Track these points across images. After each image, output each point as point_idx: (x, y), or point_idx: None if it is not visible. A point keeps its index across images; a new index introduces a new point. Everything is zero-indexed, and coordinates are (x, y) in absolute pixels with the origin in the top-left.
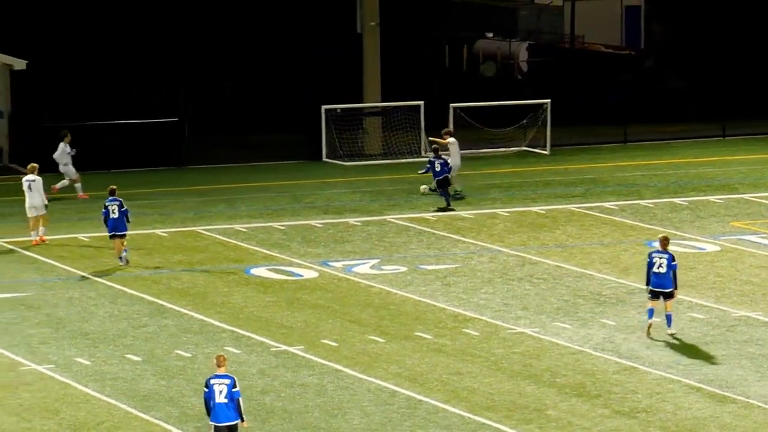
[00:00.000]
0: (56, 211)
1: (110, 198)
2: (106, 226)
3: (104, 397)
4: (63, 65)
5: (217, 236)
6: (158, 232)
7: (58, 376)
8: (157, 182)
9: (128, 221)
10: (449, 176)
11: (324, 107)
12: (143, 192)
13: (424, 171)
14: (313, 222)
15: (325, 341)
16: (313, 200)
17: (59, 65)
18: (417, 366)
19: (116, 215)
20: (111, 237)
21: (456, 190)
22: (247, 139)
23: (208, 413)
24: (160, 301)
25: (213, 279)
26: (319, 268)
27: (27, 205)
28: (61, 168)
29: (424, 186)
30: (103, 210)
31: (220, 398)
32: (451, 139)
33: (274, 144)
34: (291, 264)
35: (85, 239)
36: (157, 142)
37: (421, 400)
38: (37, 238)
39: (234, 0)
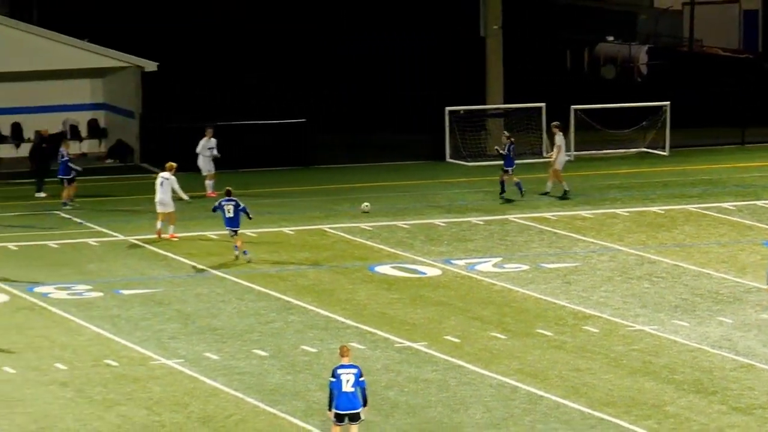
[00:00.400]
0: (186, 209)
1: (226, 198)
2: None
3: (232, 391)
4: (193, 67)
5: (343, 234)
6: (285, 230)
7: (187, 371)
8: (285, 181)
9: (249, 217)
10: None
11: (448, 109)
12: (271, 191)
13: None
14: (436, 221)
15: (448, 337)
16: (437, 199)
17: (189, 67)
18: (538, 362)
19: (232, 214)
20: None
21: (565, 190)
22: (372, 139)
23: (330, 402)
24: (287, 298)
25: (338, 276)
26: (442, 266)
27: (156, 199)
28: (199, 162)
29: (365, 204)
30: (215, 208)
31: (347, 387)
32: (560, 135)
33: (399, 145)
34: (414, 262)
35: (213, 237)
36: (285, 143)
37: (541, 396)
38: (160, 230)
39: (361, 5)
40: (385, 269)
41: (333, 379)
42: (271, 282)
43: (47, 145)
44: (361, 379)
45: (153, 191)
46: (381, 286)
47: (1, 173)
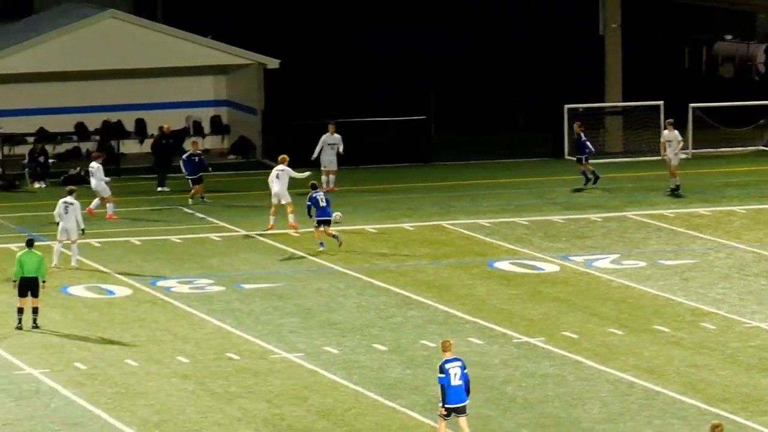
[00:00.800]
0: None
1: (315, 191)
2: (309, 215)
3: (351, 385)
4: (315, 64)
5: (462, 230)
6: (405, 225)
7: (307, 364)
8: (405, 178)
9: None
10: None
11: (567, 106)
12: (392, 187)
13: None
14: (554, 217)
15: (566, 333)
16: (555, 196)
17: (311, 64)
18: (655, 358)
19: (324, 204)
20: (318, 224)
21: (675, 184)
22: (491, 137)
23: (443, 397)
24: (406, 293)
25: (457, 272)
26: (560, 262)
27: (273, 192)
28: (321, 157)
29: (337, 213)
30: (308, 202)
31: (455, 381)
32: (674, 132)
33: (518, 142)
34: (533, 258)
35: (332, 232)
36: (405, 140)
37: (658, 392)
38: (272, 225)
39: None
40: (503, 265)
41: (442, 375)
42: (391, 277)
43: (168, 142)
44: (465, 371)
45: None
46: (500, 282)
47: (125, 168)
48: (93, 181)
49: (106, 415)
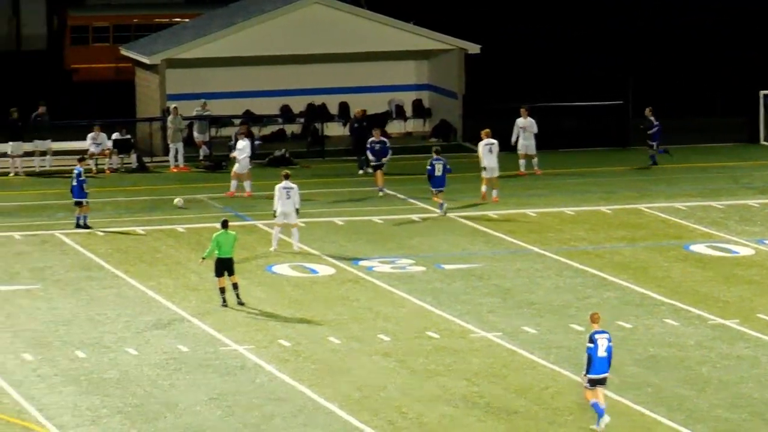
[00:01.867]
0: (506, 187)
1: (436, 158)
2: (430, 182)
3: (549, 364)
4: (514, 49)
5: (658, 214)
6: (602, 209)
7: (505, 344)
8: (603, 162)
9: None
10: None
11: (762, 92)
12: (590, 171)
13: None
14: (750, 202)
15: (761, 315)
16: (751, 180)
17: (510, 49)
18: None
19: (440, 173)
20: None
21: None
22: (688, 122)
23: (588, 367)
24: (603, 274)
25: (653, 254)
26: (756, 245)
27: (483, 165)
28: (520, 143)
29: (178, 199)
30: (428, 167)
31: (602, 352)
32: None
33: (714, 127)
34: (728, 241)
35: (532, 215)
36: (603, 124)
37: None
38: (485, 193)
39: None
40: (699, 248)
41: (591, 345)
42: (588, 259)
43: (362, 125)
44: (610, 344)
45: (474, 169)
46: (695, 265)
47: (329, 150)
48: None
49: (308, 391)
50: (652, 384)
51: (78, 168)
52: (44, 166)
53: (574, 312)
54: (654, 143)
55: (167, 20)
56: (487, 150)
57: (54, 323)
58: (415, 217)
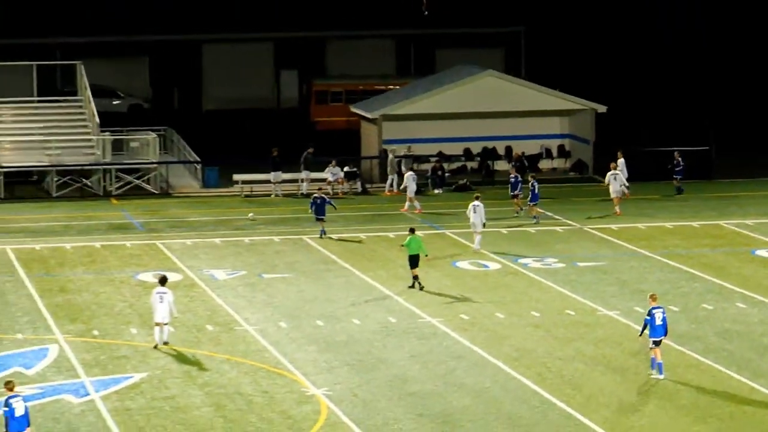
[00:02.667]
0: (623, 207)
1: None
2: (530, 200)
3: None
4: (632, 108)
5: (733, 228)
6: (692, 223)
7: (622, 319)
8: (692, 190)
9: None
10: None
11: None
12: (683, 196)
13: None
14: None
15: None
16: None
17: (629, 108)
18: None
19: (537, 191)
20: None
21: None
22: (755, 158)
23: (643, 330)
24: (692, 271)
25: (729, 257)
26: None
27: (612, 189)
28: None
29: (251, 214)
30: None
31: (658, 321)
32: None
33: None
34: None
35: (642, 228)
36: (691, 162)
37: None
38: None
39: None
40: (763, 253)
41: (648, 317)
42: (682, 260)
43: (522, 163)
44: (664, 315)
45: (600, 194)
46: (760, 265)
47: (497, 180)
48: (410, 186)
49: (481, 351)
50: (727, 350)
51: (317, 195)
52: (302, 191)
53: (671, 297)
54: (678, 177)
55: (383, 87)
56: (612, 178)
57: (301, 301)
58: (558, 228)
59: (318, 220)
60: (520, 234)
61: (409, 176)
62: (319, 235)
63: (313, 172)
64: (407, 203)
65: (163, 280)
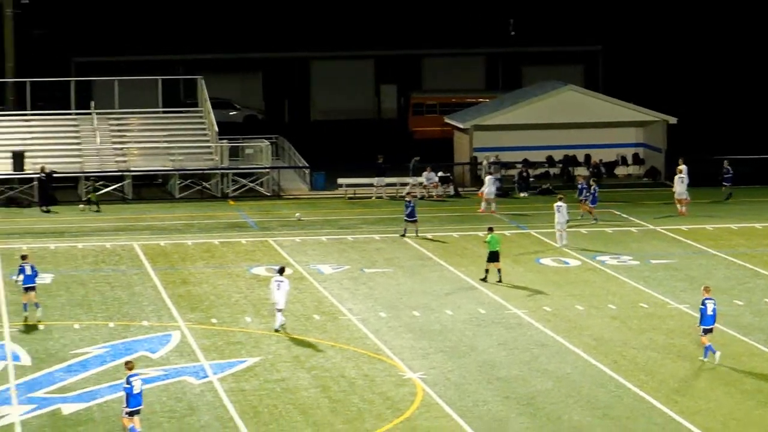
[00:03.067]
0: (691, 210)
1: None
2: (591, 203)
3: (720, 326)
4: (701, 119)
5: None
6: (756, 225)
7: (691, 312)
8: (755, 195)
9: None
10: None
11: None
12: (747, 200)
13: None
14: None
15: None
16: None
17: (698, 119)
18: None
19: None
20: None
21: None
22: None
23: (701, 321)
24: (756, 268)
25: None
26: None
27: (676, 191)
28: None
29: (298, 213)
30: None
31: (709, 311)
32: None
33: None
34: None
35: (710, 228)
36: (755, 168)
37: None
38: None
39: None
40: None
41: (702, 307)
42: (746, 258)
43: (599, 170)
44: (715, 306)
45: (671, 200)
46: None
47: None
48: (488, 189)
49: (562, 340)
50: None
51: (408, 198)
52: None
53: (736, 292)
54: (727, 184)
55: (474, 100)
56: (679, 181)
57: (399, 293)
58: (633, 229)
59: (408, 221)
60: (598, 234)
61: (489, 179)
62: (401, 234)
63: (398, 177)
64: (483, 203)
65: (281, 270)
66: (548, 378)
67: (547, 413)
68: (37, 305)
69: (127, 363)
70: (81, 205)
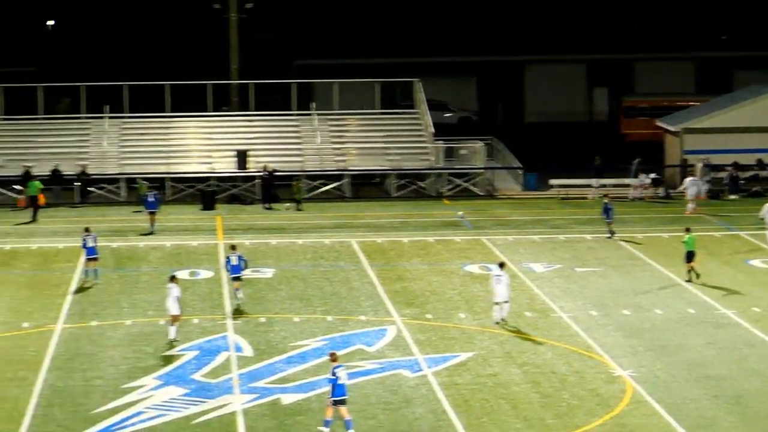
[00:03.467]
0: None
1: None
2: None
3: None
4: None
5: None
6: None
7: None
8: None
9: None
10: None
11: None
12: None
13: None
14: None
15: None
16: None
17: None
18: None
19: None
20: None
21: None
22: None
23: None
24: None
25: None
26: None
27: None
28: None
29: (461, 212)
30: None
31: None
32: None
33: None
34: None
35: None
36: None
37: None
38: None
39: None
40: None
41: None
42: None
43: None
44: None
45: None
46: None
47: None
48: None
49: None
50: None
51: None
52: (635, 196)
53: None
54: None
55: (684, 103)
56: None
57: (610, 292)
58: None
59: (607, 221)
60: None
61: (689, 181)
62: (608, 236)
63: (634, 179)
64: (689, 205)
65: (501, 265)
66: (757, 378)
67: (756, 412)
68: (237, 291)
69: (331, 355)
70: (287, 204)
